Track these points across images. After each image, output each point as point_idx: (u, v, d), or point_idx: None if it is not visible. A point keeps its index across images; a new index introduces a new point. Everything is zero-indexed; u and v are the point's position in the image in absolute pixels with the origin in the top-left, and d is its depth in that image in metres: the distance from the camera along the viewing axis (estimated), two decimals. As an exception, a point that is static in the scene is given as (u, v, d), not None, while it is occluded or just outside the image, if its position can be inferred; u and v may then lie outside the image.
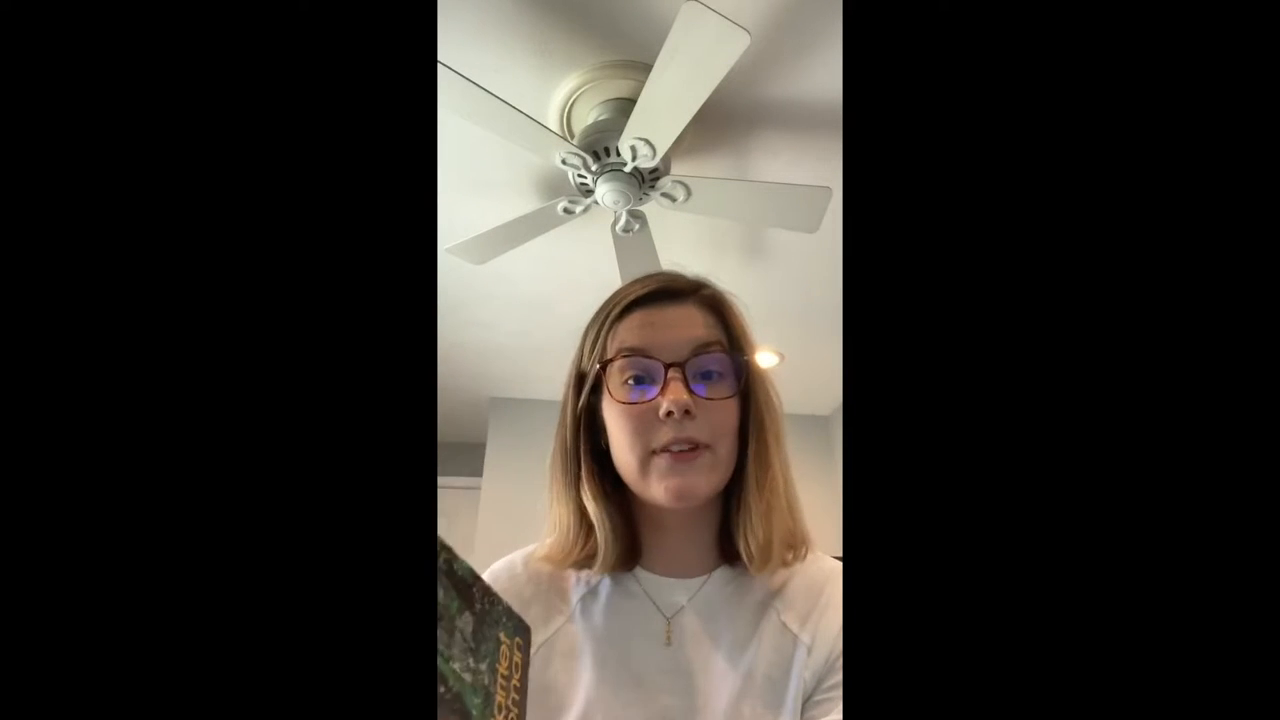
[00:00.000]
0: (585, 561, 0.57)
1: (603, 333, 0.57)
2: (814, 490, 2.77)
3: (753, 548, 0.54)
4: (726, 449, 0.54)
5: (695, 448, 0.52)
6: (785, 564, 0.56)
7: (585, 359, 0.58)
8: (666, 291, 0.58)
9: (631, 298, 0.57)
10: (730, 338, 0.57)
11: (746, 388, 0.56)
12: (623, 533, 0.56)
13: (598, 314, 0.60)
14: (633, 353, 0.54)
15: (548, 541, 0.60)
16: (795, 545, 0.57)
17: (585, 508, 0.57)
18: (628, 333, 0.56)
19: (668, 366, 0.53)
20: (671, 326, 0.55)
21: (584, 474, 0.57)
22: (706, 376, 0.54)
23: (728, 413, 0.54)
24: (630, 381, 0.55)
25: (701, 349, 0.54)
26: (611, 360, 0.55)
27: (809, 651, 0.53)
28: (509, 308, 2.40)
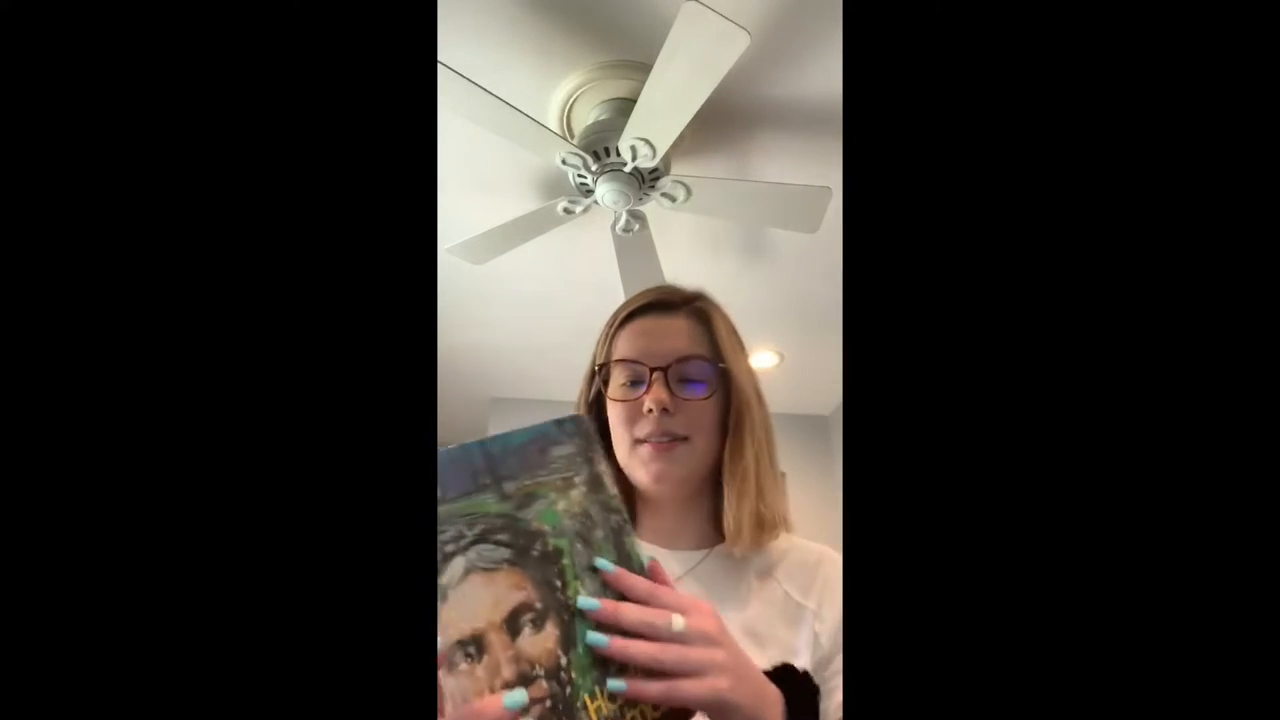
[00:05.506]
0: None
1: (607, 337, 0.68)
2: (814, 490, 2.76)
3: (730, 526, 0.62)
4: (704, 442, 0.62)
5: (673, 440, 0.61)
6: (759, 543, 0.62)
7: (597, 357, 0.68)
8: (660, 304, 0.68)
9: (632, 308, 0.68)
10: (713, 347, 0.66)
11: (726, 389, 0.65)
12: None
13: (610, 318, 0.70)
14: (626, 359, 0.64)
15: None
16: (765, 526, 0.62)
17: None
18: (624, 341, 0.66)
19: (652, 370, 0.62)
20: (660, 337, 0.65)
21: None
22: (687, 380, 0.63)
23: (703, 410, 0.63)
24: (626, 384, 0.64)
25: (683, 358, 0.63)
26: (609, 365, 0.65)
27: (817, 617, 0.59)
28: (509, 308, 2.39)
